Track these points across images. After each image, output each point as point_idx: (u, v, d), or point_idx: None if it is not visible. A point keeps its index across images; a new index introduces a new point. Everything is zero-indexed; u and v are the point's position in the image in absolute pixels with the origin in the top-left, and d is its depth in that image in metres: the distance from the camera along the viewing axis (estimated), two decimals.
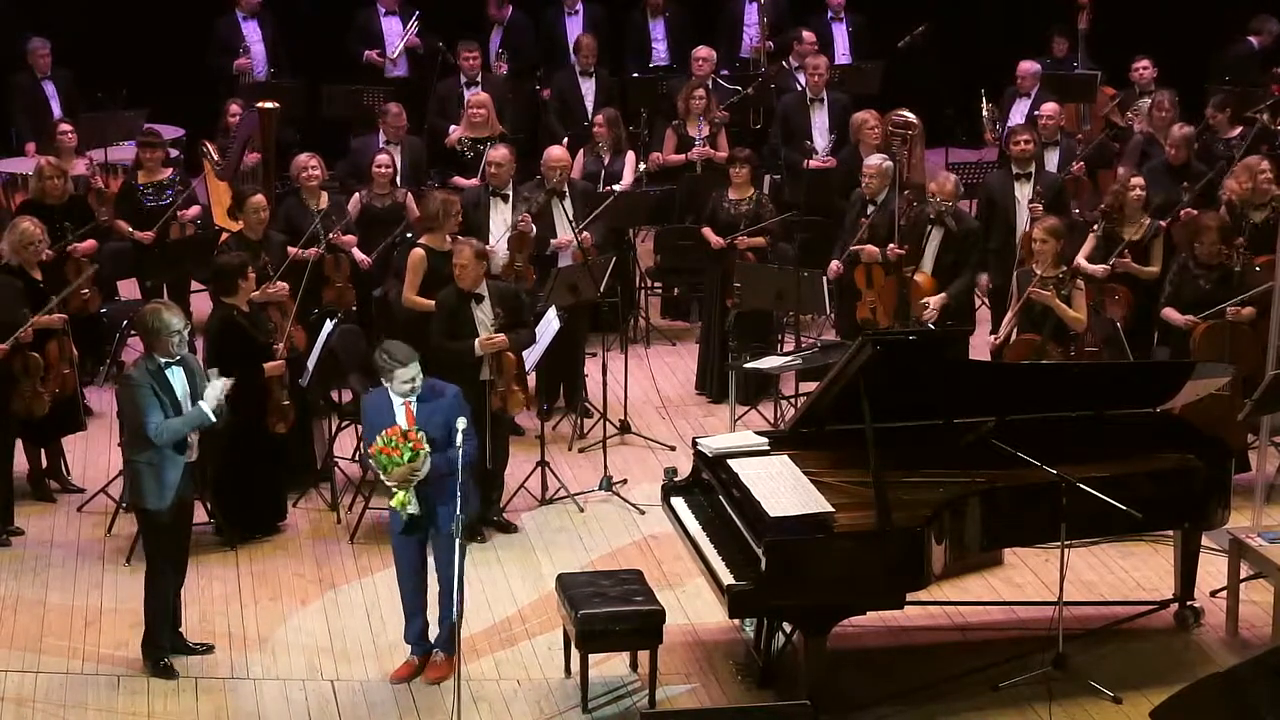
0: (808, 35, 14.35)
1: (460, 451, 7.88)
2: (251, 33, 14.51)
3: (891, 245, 11.01)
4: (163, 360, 8.32)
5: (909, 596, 7.93)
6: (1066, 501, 8.05)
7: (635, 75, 14.61)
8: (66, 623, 8.92)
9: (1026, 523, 8.25)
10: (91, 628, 8.88)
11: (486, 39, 14.59)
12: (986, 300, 11.99)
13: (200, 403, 8.34)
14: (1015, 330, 10.28)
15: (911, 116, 13.37)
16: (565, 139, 13.23)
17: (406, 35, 14.57)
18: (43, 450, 10.40)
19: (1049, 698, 8.11)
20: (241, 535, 9.76)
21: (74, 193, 11.71)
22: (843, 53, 14.94)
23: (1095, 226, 11.13)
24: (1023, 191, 11.74)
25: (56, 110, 13.73)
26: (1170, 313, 10.35)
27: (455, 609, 7.65)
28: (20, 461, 10.20)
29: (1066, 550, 8.18)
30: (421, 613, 8.42)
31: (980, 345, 10.95)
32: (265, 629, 8.89)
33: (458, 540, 7.58)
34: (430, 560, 8.34)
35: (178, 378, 8.35)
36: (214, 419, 8.37)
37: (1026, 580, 9.32)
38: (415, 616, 8.42)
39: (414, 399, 8.20)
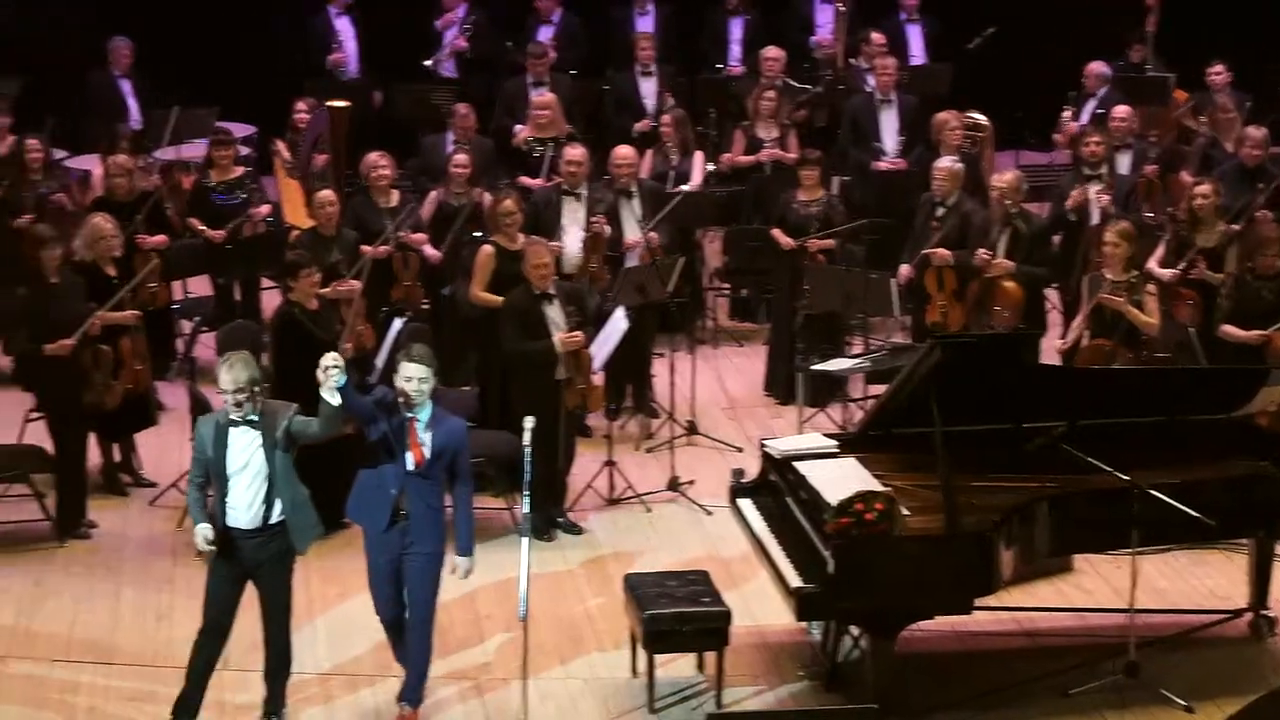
0: (877, 37, 14.24)
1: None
2: (345, 29, 14.57)
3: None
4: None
5: (977, 601, 7.88)
6: (1138, 508, 7.98)
7: (704, 76, 14.58)
8: (139, 617, 9.01)
9: (1097, 529, 8.19)
10: (163, 621, 8.95)
11: (533, 33, 14.57)
12: (1059, 306, 11.91)
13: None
14: (1086, 335, 10.21)
15: (982, 119, 13.29)
16: (635, 128, 13.38)
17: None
18: (115, 445, 10.50)
19: (1121, 705, 8.06)
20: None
21: (145, 189, 11.77)
22: (917, 54, 14.83)
23: (1166, 231, 11.00)
24: (1093, 191, 11.66)
25: (134, 109, 13.84)
26: (1231, 330, 10.09)
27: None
28: (93, 455, 10.29)
29: (1138, 557, 8.12)
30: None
31: (1050, 350, 10.88)
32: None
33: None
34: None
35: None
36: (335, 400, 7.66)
37: (1097, 587, 9.26)
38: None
39: (419, 415, 7.76)
